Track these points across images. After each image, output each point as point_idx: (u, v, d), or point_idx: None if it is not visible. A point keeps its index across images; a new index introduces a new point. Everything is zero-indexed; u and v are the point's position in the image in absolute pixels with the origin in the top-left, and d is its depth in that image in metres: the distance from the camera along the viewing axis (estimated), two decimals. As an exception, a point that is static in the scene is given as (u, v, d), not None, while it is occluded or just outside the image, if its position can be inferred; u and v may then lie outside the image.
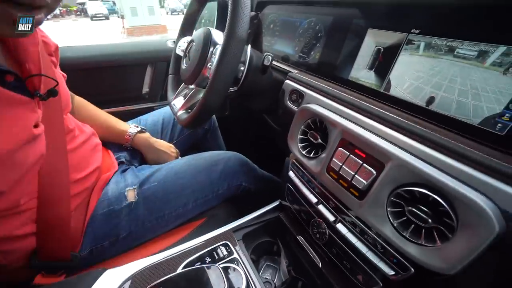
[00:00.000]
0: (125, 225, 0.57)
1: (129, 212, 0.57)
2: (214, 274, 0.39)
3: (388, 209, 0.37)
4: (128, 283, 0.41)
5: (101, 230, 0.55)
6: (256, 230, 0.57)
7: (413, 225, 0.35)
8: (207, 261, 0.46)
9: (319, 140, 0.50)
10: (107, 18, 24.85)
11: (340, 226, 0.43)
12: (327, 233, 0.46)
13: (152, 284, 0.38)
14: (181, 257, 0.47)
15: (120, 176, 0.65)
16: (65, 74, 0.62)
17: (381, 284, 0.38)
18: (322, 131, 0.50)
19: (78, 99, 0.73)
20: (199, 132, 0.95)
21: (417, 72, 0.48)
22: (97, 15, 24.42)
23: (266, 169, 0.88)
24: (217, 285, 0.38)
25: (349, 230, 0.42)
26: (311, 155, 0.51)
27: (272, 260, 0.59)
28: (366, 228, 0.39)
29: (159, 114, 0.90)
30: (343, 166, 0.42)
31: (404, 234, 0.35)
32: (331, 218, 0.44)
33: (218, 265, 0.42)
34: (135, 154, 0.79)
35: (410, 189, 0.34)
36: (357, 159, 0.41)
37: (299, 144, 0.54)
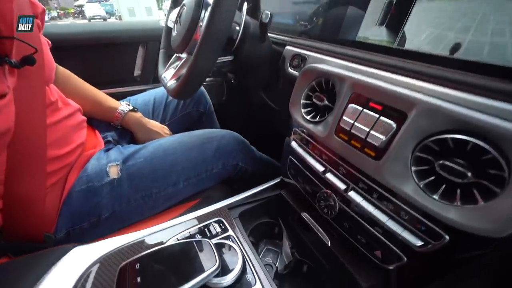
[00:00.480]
0: (107, 203, 0.50)
1: (111, 190, 0.51)
2: (203, 250, 0.33)
3: (413, 167, 0.31)
4: (97, 266, 0.34)
5: (79, 209, 0.48)
6: (255, 208, 0.50)
7: (444, 185, 0.29)
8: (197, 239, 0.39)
9: (326, 102, 0.44)
10: (104, 19, 24.94)
11: (353, 195, 0.36)
12: (337, 206, 0.39)
13: (126, 261, 0.31)
14: (166, 234, 0.40)
15: (104, 153, 0.58)
16: (49, 41, 0.55)
17: (405, 259, 0.32)
18: (328, 92, 0.44)
19: (62, 70, 0.66)
20: (193, 115, 0.88)
21: (437, 19, 0.42)
22: (95, 17, 24.46)
23: (264, 153, 0.81)
24: (207, 263, 0.31)
25: (364, 198, 0.35)
26: (317, 119, 0.44)
27: (273, 244, 0.52)
28: (385, 193, 0.33)
29: (150, 94, 0.83)
30: (355, 123, 0.36)
31: (433, 196, 0.29)
32: (341, 186, 0.38)
33: (211, 241, 0.36)
34: (124, 133, 0.73)
35: (442, 137, 0.27)
36: (372, 113, 0.34)
37: (302, 110, 0.48)
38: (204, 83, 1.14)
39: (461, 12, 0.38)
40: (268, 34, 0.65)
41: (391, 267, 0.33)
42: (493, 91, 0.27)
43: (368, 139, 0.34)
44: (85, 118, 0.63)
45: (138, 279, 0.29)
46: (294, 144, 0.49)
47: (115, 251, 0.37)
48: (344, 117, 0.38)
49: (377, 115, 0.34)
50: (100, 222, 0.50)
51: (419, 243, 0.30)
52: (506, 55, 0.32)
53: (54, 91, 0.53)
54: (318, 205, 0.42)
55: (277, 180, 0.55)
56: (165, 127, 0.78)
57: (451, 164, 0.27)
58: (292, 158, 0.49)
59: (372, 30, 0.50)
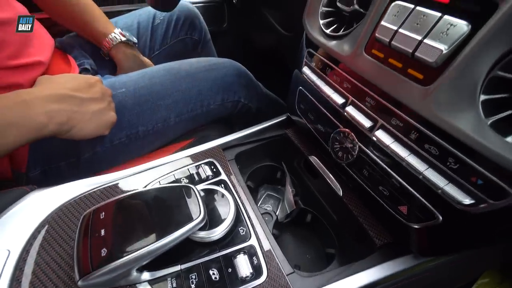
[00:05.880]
0: (86, 143, 0.44)
1: (89, 127, 0.44)
2: (186, 198, 0.26)
3: (482, 96, 0.20)
4: (55, 214, 0.29)
5: (53, 147, 0.42)
6: (254, 150, 0.43)
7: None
8: (183, 183, 0.33)
9: (356, 6, 0.31)
10: None
11: (380, 134, 0.27)
12: (357, 148, 0.30)
13: (90, 209, 0.26)
14: (146, 177, 0.34)
15: (80, 82, 0.49)
16: None
17: (440, 218, 0.24)
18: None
19: None
20: (187, 43, 0.74)
21: None
22: None
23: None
24: (190, 214, 0.25)
25: (397, 139, 0.26)
26: (341, 32, 0.32)
27: (275, 190, 0.46)
28: (429, 133, 0.23)
29: (133, 16, 0.68)
30: (400, 30, 0.24)
31: (508, 139, 0.19)
32: (366, 124, 0.28)
33: (196, 186, 0.29)
34: (104, 63, 0.62)
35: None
36: (431, 11, 0.22)
37: (321, 21, 0.35)
38: (199, 5, 0.95)
39: None
40: None
41: (416, 226, 0.26)
42: None
43: (418, 53, 0.23)
44: (47, 34, 0.51)
45: (102, 232, 0.23)
46: (306, 69, 0.37)
47: (80, 197, 0.31)
48: (383, 23, 0.26)
49: (439, 14, 0.22)
50: (80, 162, 0.44)
51: (468, 201, 0.22)
52: None
53: None
54: (331, 147, 0.34)
55: (283, 117, 0.45)
56: None
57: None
58: (303, 89, 0.39)
59: None
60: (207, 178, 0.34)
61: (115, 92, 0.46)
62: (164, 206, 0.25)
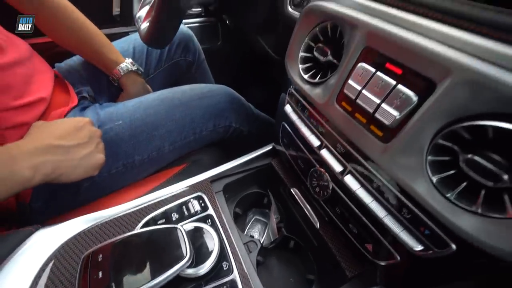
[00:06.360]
0: None
1: (88, 158, 0.47)
2: (174, 238, 0.29)
3: (429, 157, 0.24)
4: (58, 254, 0.31)
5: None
6: (242, 179, 0.46)
7: (465, 183, 0.22)
8: (174, 218, 0.36)
9: (330, 57, 0.34)
10: None
11: (349, 179, 0.30)
12: (330, 187, 0.33)
13: (89, 251, 0.29)
14: (141, 212, 0.37)
15: (79, 114, 0.52)
16: None
17: (398, 258, 0.27)
18: (334, 44, 0.33)
19: None
20: (181, 65, 0.77)
21: None
22: None
23: (262, 110, 0.73)
24: (178, 254, 0.28)
25: (362, 186, 0.29)
26: (316, 79, 0.35)
27: (262, 214, 0.50)
28: (388, 184, 0.27)
29: (129, 40, 0.71)
30: (363, 91, 0.27)
31: (448, 195, 0.22)
32: (337, 168, 0.31)
33: (183, 225, 0.32)
34: (102, 88, 0.65)
35: (482, 123, 0.19)
36: (388, 78, 0.25)
37: (300, 66, 0.38)
38: (194, 25, 0.98)
39: None
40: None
41: (381, 263, 0.30)
42: None
43: (377, 115, 0.26)
44: (47, 66, 0.53)
45: (100, 274, 0.26)
46: (288, 108, 0.40)
47: (80, 234, 0.34)
48: (350, 81, 0.29)
49: (393, 82, 0.25)
50: (80, 192, 0.47)
51: (419, 247, 0.25)
52: None
53: None
54: (309, 182, 0.37)
55: (269, 147, 0.48)
56: None
57: (482, 161, 0.20)
58: (286, 125, 0.42)
59: None
60: (195, 213, 0.37)
61: (113, 124, 0.49)
62: (154, 248, 0.28)
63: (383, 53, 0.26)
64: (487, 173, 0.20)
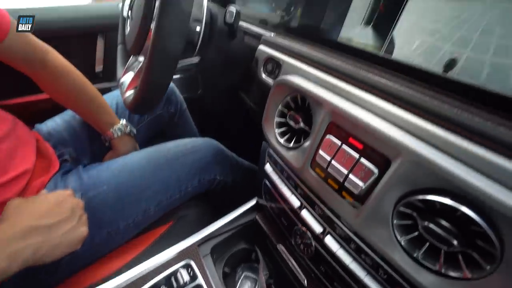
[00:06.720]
0: None
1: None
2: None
3: (395, 221, 0.27)
4: None
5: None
6: (229, 238, 0.46)
7: (427, 244, 0.25)
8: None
9: (301, 125, 0.38)
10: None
11: (329, 240, 0.32)
12: (313, 246, 0.35)
13: None
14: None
15: (60, 180, 0.51)
16: None
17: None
18: (305, 112, 0.38)
19: (56, 58, 0.55)
20: (164, 117, 0.79)
21: (432, 24, 0.35)
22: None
23: (245, 156, 0.76)
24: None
25: (341, 246, 0.31)
26: (291, 144, 0.39)
27: (251, 269, 0.49)
28: (363, 246, 0.29)
29: (112, 97, 0.73)
30: (332, 161, 0.31)
31: (415, 255, 0.25)
32: (317, 229, 0.34)
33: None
34: (85, 147, 0.64)
35: (427, 198, 0.23)
36: (352, 152, 0.29)
37: (276, 130, 0.42)
38: (175, 77, 1.03)
39: (461, 19, 0.31)
40: (241, 24, 0.56)
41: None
42: (493, 140, 0.21)
43: (346, 184, 0.29)
44: (29, 134, 0.53)
45: None
46: (268, 168, 0.43)
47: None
48: (321, 151, 0.32)
49: (357, 155, 0.29)
50: (59, 266, 0.44)
51: (399, 306, 0.27)
52: (507, 81, 0.26)
53: None
54: (294, 240, 0.39)
55: (253, 202, 0.50)
56: None
57: (436, 228, 0.23)
58: (267, 183, 0.45)
59: (356, 30, 0.43)
60: (185, 284, 0.37)
61: (97, 191, 0.49)
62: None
63: (346, 129, 0.30)
64: (441, 239, 0.23)
